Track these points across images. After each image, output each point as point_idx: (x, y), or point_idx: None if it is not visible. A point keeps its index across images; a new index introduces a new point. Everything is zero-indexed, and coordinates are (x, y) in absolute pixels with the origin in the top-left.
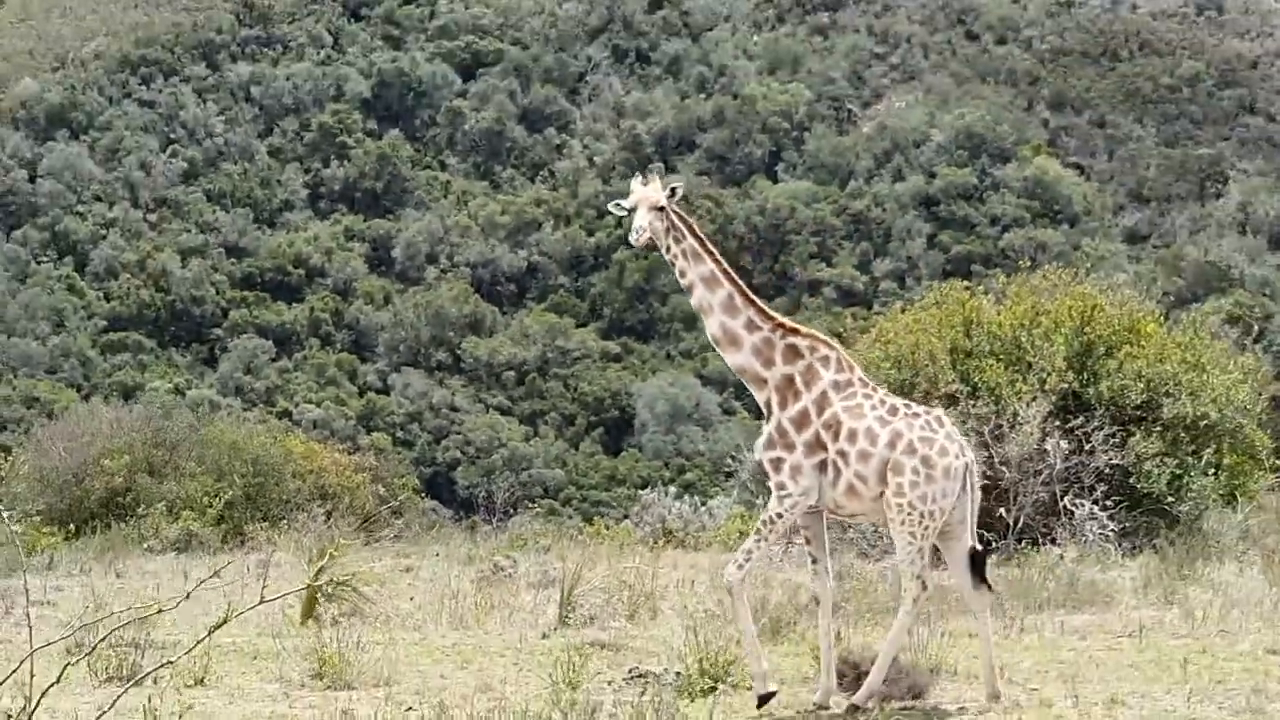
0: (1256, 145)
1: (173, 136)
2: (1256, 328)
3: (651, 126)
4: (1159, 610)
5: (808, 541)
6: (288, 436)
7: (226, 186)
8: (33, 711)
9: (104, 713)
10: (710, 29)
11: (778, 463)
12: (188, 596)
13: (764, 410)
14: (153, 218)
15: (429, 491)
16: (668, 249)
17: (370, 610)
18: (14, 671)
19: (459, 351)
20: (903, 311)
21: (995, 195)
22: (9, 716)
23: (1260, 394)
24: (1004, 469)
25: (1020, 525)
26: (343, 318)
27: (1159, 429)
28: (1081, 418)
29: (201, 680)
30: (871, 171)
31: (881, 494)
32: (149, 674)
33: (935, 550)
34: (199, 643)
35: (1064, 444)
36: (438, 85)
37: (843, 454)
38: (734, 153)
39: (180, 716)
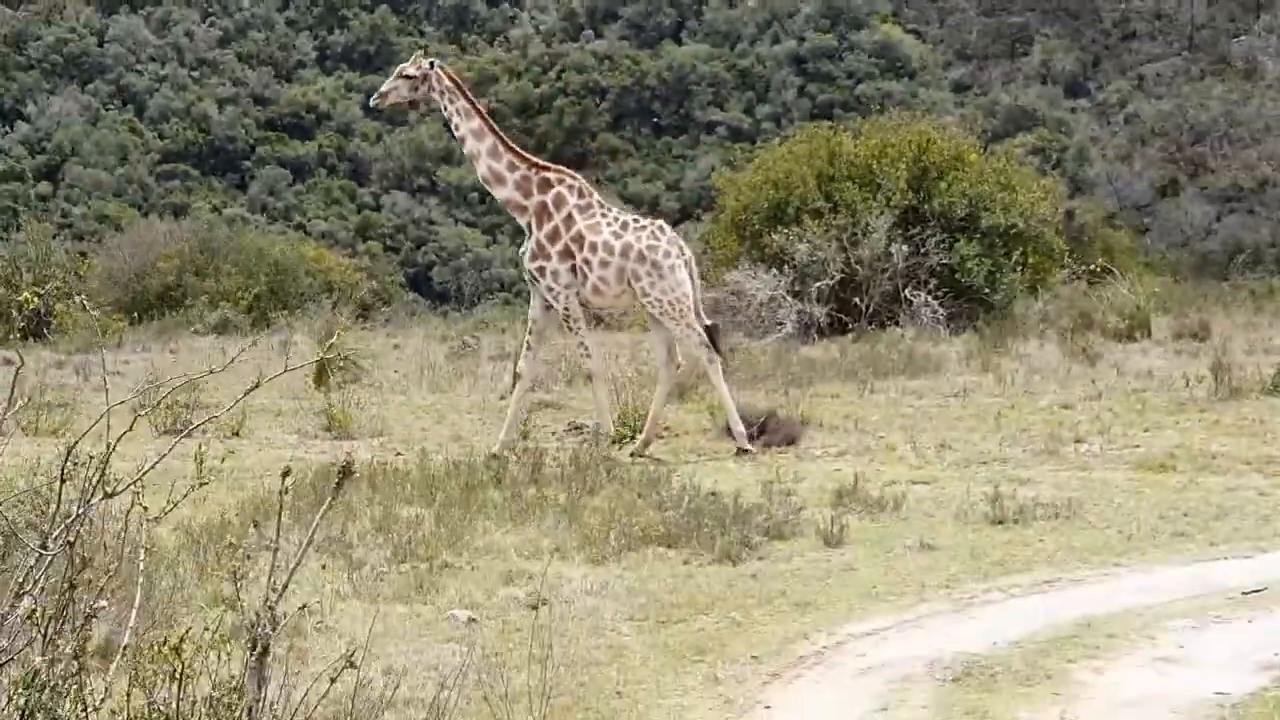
0: (1055, 14)
1: (210, 10)
2: (1055, 157)
3: (584, 1)
4: (978, 376)
5: (532, 332)
6: (302, 244)
7: (253, 49)
8: (109, 454)
9: (163, 456)
10: None
11: (541, 270)
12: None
13: (526, 230)
14: (196, 74)
15: (412, 286)
16: (444, 108)
17: (367, 378)
18: (95, 424)
19: (435, 178)
20: (780, 145)
21: (851, 55)
22: (90, 457)
23: (1057, 209)
24: (858, 267)
25: (871, 311)
26: (344, 152)
27: (979, 236)
28: (919, 227)
29: (238, 432)
30: (755, 37)
31: (622, 292)
32: (197, 427)
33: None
34: (236, 403)
35: (905, 248)
36: None
37: (587, 262)
38: (648, 22)
39: (222, 460)
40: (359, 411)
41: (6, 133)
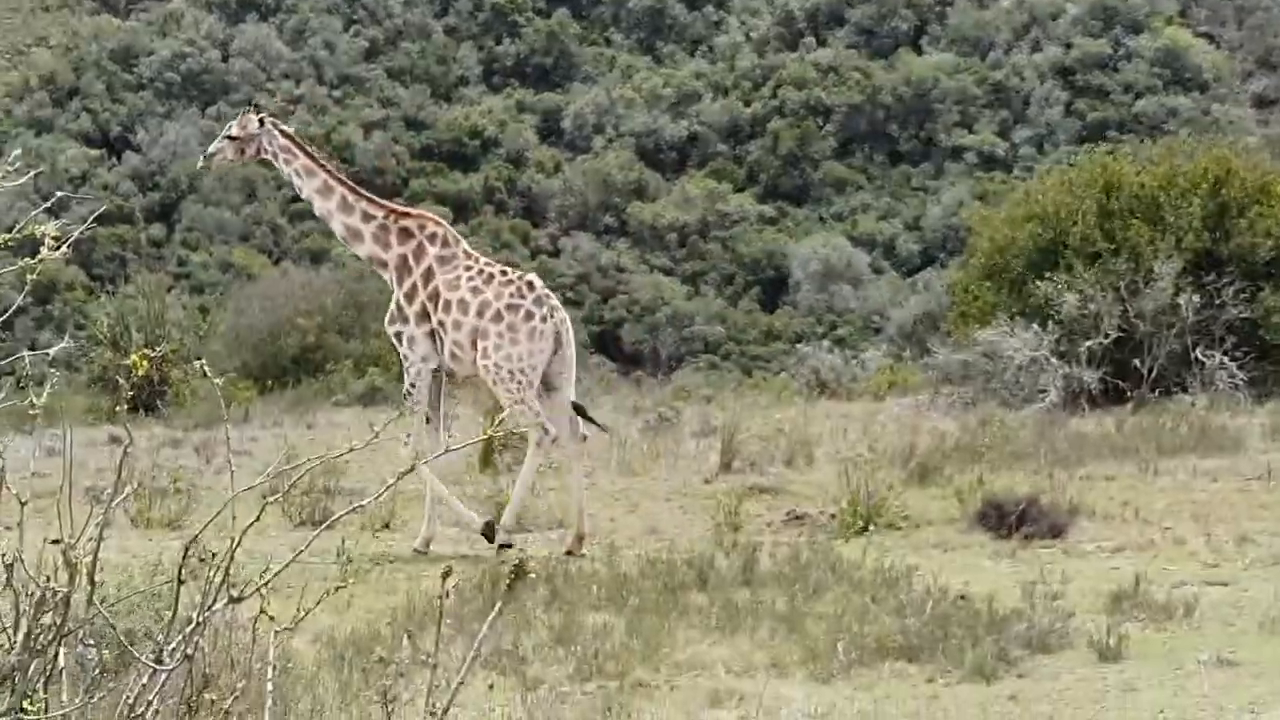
0: None
1: (354, 17)
2: None
3: (805, 2)
4: None
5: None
6: None
7: (405, 64)
8: (234, 550)
9: (299, 552)
10: None
11: (399, 336)
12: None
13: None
14: (337, 94)
15: (597, 347)
16: (282, 170)
17: (543, 459)
18: (217, 514)
19: (624, 216)
20: (1044, 174)
21: (1129, 64)
22: (212, 555)
23: None
24: (1139, 322)
25: (1154, 375)
26: (516, 185)
27: None
28: (1214, 274)
29: (388, 524)
30: (1010, 43)
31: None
32: (340, 518)
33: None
34: (386, 488)
35: (1196, 299)
36: None
37: (442, 324)
38: (881, 26)
39: (370, 558)
40: (534, 499)
41: (113, 165)
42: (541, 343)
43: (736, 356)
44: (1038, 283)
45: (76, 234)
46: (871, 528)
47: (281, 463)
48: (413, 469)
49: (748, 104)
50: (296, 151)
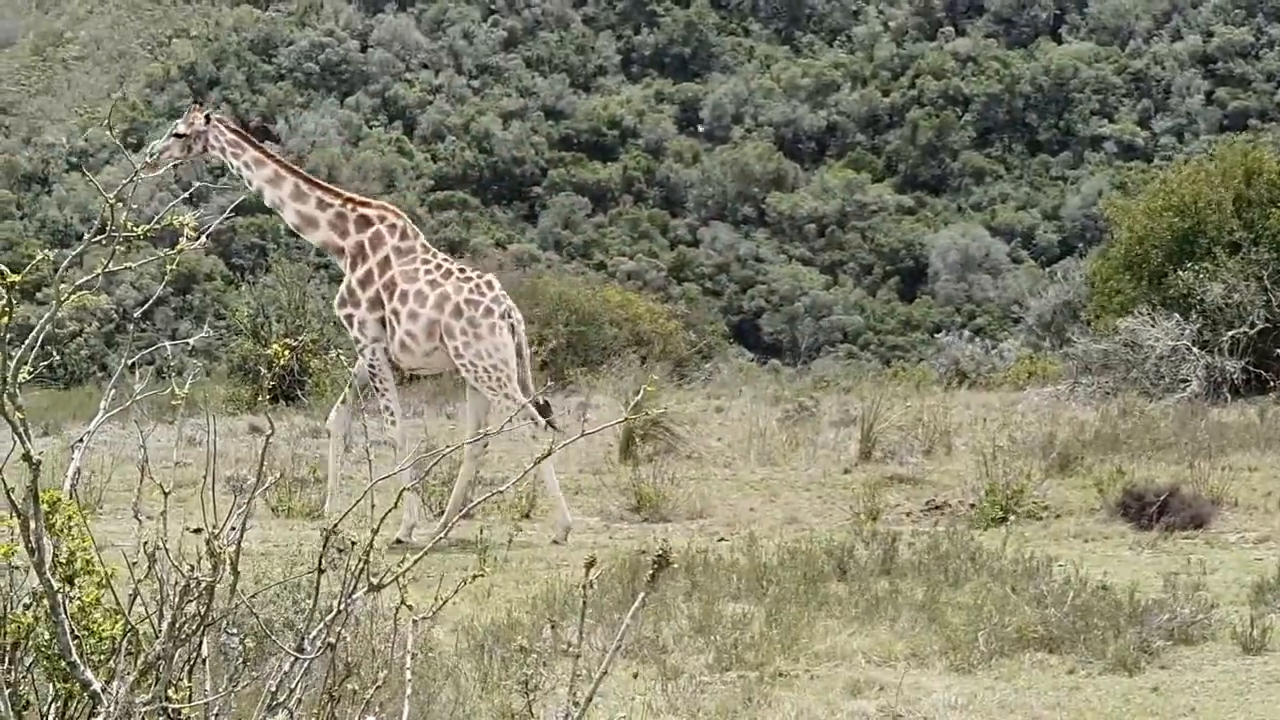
0: None
1: (493, 7)
2: None
3: None
4: None
5: (350, 385)
6: (604, 287)
7: (544, 53)
8: (372, 540)
9: (436, 540)
10: None
11: (349, 319)
12: (506, 424)
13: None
14: (476, 83)
15: (736, 337)
16: (231, 165)
17: (683, 448)
18: (356, 503)
19: (763, 206)
20: (1184, 163)
21: (1270, 53)
22: (353, 543)
23: None
24: None
25: None
26: (654, 175)
27: None
28: None
29: (528, 514)
30: (1150, 31)
31: (433, 350)
32: (477, 505)
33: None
34: (523, 476)
35: None
36: None
37: (396, 313)
38: (1020, 15)
39: (509, 546)
40: (674, 488)
41: None
42: (504, 337)
43: (875, 346)
44: (1178, 273)
45: (216, 224)
46: (1011, 517)
47: (420, 452)
48: (550, 453)
49: (886, 94)
50: (244, 145)
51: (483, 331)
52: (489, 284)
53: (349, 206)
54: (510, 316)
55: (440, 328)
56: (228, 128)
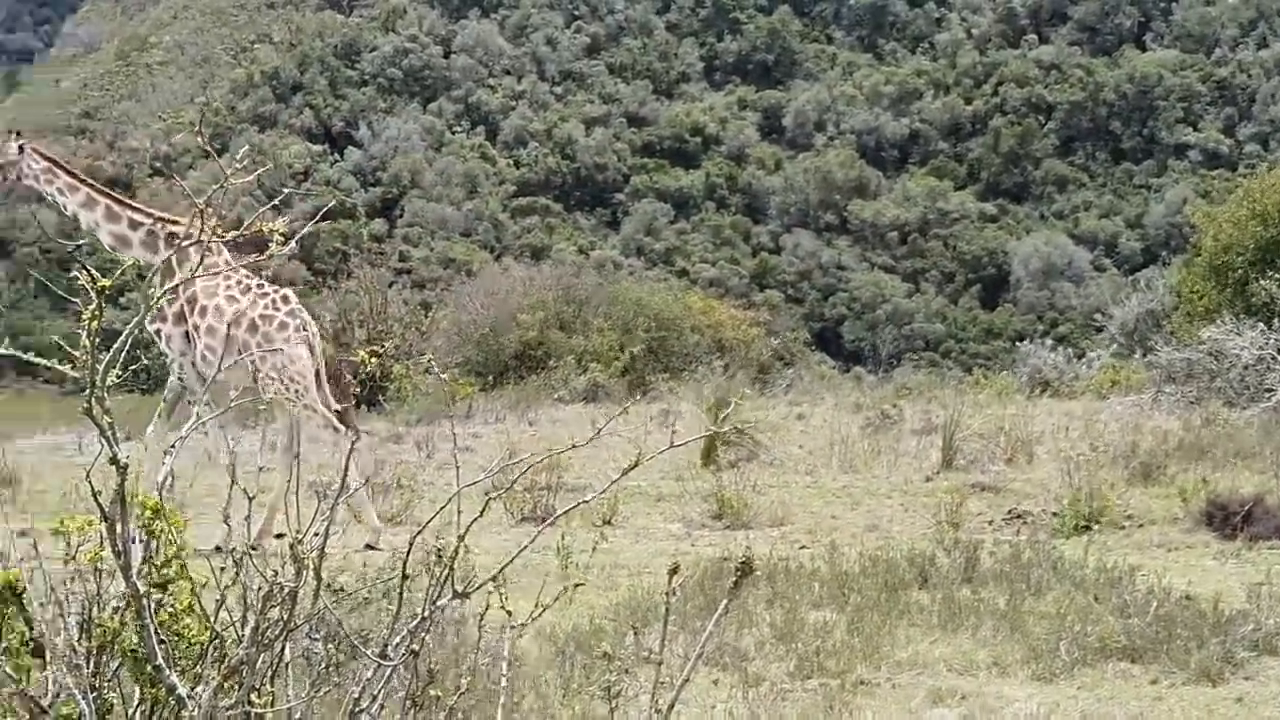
0: None
1: (577, 13)
2: None
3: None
4: None
5: (165, 400)
6: (687, 293)
7: (627, 60)
8: (458, 546)
9: (523, 548)
10: None
11: (158, 333)
12: (599, 436)
13: None
14: (559, 90)
15: (818, 344)
16: (45, 192)
17: (764, 455)
18: (441, 509)
19: (846, 214)
20: (1269, 171)
21: None
22: (437, 550)
23: None
24: None
25: None
26: (737, 182)
27: None
28: None
29: (609, 521)
30: (1237, 39)
31: (233, 365)
32: (562, 514)
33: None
34: (609, 485)
35: None
36: None
37: (196, 327)
38: (1104, 23)
39: (592, 553)
40: (756, 496)
41: (335, 160)
42: (300, 349)
43: (957, 354)
44: (1262, 282)
45: (305, 230)
46: (1093, 527)
47: (504, 459)
48: (636, 464)
49: (969, 101)
50: (58, 171)
51: (276, 344)
52: (284, 298)
53: (159, 225)
54: (306, 330)
55: (238, 343)
56: (41, 155)
